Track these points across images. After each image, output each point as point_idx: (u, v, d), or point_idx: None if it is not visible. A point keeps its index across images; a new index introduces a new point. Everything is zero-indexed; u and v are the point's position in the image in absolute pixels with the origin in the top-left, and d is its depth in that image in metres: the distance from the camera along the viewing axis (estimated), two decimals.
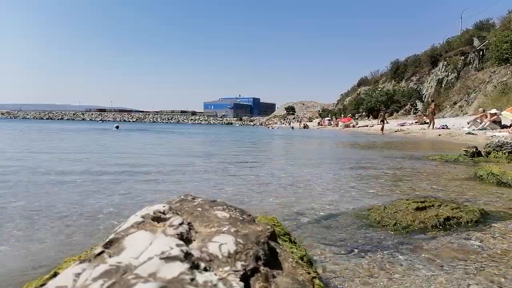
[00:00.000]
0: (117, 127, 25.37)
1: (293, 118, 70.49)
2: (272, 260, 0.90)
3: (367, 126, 29.70)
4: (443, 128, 16.75)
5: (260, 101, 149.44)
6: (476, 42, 29.93)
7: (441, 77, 33.09)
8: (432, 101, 21.49)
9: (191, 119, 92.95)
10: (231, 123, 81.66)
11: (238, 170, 4.75)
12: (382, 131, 20.62)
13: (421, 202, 2.27)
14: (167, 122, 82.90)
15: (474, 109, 21.90)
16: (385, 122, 21.62)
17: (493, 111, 15.22)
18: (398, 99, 36.87)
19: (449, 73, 32.01)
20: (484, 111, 15.65)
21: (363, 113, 40.76)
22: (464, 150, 5.99)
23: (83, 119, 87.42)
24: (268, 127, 49.25)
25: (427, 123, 20.44)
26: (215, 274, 0.73)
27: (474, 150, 5.88)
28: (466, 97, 26.39)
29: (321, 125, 43.57)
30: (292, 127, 43.14)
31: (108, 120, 70.26)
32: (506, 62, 22.86)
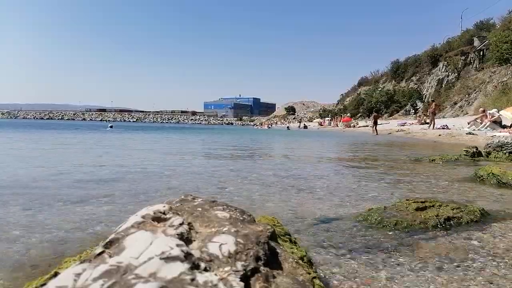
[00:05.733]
0: (111, 126, 25.95)
1: (293, 118, 70.52)
2: (273, 260, 0.90)
3: (367, 126, 29.71)
4: (444, 128, 16.74)
5: (261, 101, 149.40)
6: (476, 42, 29.92)
7: (441, 77, 33.08)
8: (433, 101, 21.54)
9: (191, 119, 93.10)
10: (232, 123, 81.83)
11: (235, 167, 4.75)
12: (376, 132, 21.31)
13: (422, 202, 2.27)
14: (167, 122, 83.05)
15: (475, 109, 21.90)
16: (377, 124, 22.48)
17: (493, 111, 15.21)
18: (398, 99, 36.86)
19: (450, 73, 31.99)
20: (484, 111, 15.63)
21: (365, 112, 40.83)
22: (464, 150, 5.98)
23: (84, 119, 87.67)
24: (257, 127, 49.39)
25: (427, 123, 20.47)
26: (216, 274, 0.73)
27: (475, 150, 5.88)
28: (466, 97, 26.39)
29: (322, 125, 43.59)
30: (288, 127, 42.94)
31: (109, 120, 70.40)
32: (506, 62, 22.85)
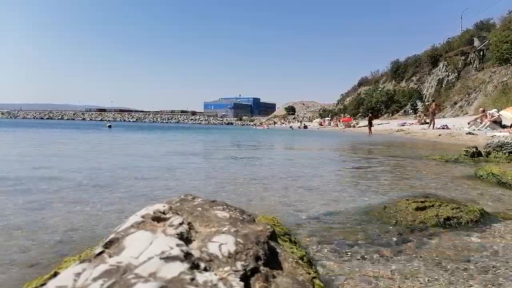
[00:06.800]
0: (109, 126, 26.40)
1: (293, 118, 70.58)
2: (272, 260, 0.90)
3: (367, 126, 29.73)
4: (444, 128, 16.73)
5: (260, 101, 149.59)
6: (476, 42, 29.90)
7: (441, 77, 33.07)
8: (433, 101, 21.64)
9: (191, 119, 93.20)
10: (232, 123, 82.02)
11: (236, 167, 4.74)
12: (370, 132, 22.26)
13: (421, 202, 2.27)
14: (167, 122, 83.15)
15: (475, 109, 21.91)
16: (372, 124, 23.63)
17: (493, 111, 15.21)
18: (398, 99, 36.85)
19: (450, 73, 31.98)
20: (484, 111, 15.63)
21: (366, 112, 40.89)
22: (464, 150, 5.98)
23: (83, 119, 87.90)
24: (256, 127, 49.94)
25: (427, 123, 20.51)
26: (215, 274, 0.73)
27: (474, 150, 5.88)
28: (466, 97, 26.38)
29: (322, 125, 43.71)
30: (291, 127, 43.74)
31: (108, 120, 70.47)
32: (506, 62, 22.83)
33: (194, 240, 0.87)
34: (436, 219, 2.06)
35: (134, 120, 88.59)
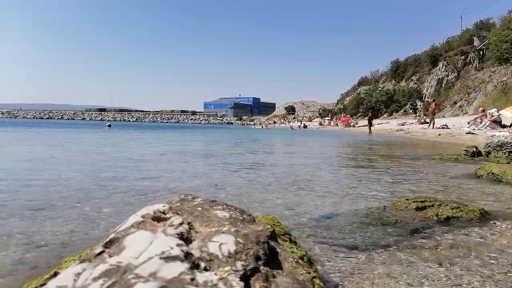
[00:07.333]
0: (109, 126, 26.62)
1: (293, 118, 70.63)
2: (272, 260, 0.90)
3: (367, 125, 29.74)
4: (443, 128, 16.74)
5: (260, 100, 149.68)
6: (476, 41, 29.91)
7: (441, 76, 33.08)
8: (433, 100, 21.67)
9: (191, 119, 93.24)
10: (231, 123, 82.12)
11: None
12: (370, 132, 22.35)
13: (421, 202, 2.27)
14: (167, 122, 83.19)
15: (474, 108, 21.92)
16: (372, 124, 23.75)
17: (493, 110, 15.21)
18: (398, 98, 36.85)
19: (449, 73, 32.00)
20: (484, 110, 15.64)
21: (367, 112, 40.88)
22: (464, 150, 5.99)
23: (83, 118, 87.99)
24: (254, 127, 50.30)
25: (427, 122, 20.53)
26: (215, 274, 0.73)
27: (474, 149, 5.88)
28: (466, 96, 26.40)
29: (322, 124, 43.77)
30: (291, 127, 43.88)
31: (108, 119, 70.52)
32: (506, 62, 22.82)
33: (194, 240, 0.87)
34: (436, 219, 2.06)
35: (134, 119, 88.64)
